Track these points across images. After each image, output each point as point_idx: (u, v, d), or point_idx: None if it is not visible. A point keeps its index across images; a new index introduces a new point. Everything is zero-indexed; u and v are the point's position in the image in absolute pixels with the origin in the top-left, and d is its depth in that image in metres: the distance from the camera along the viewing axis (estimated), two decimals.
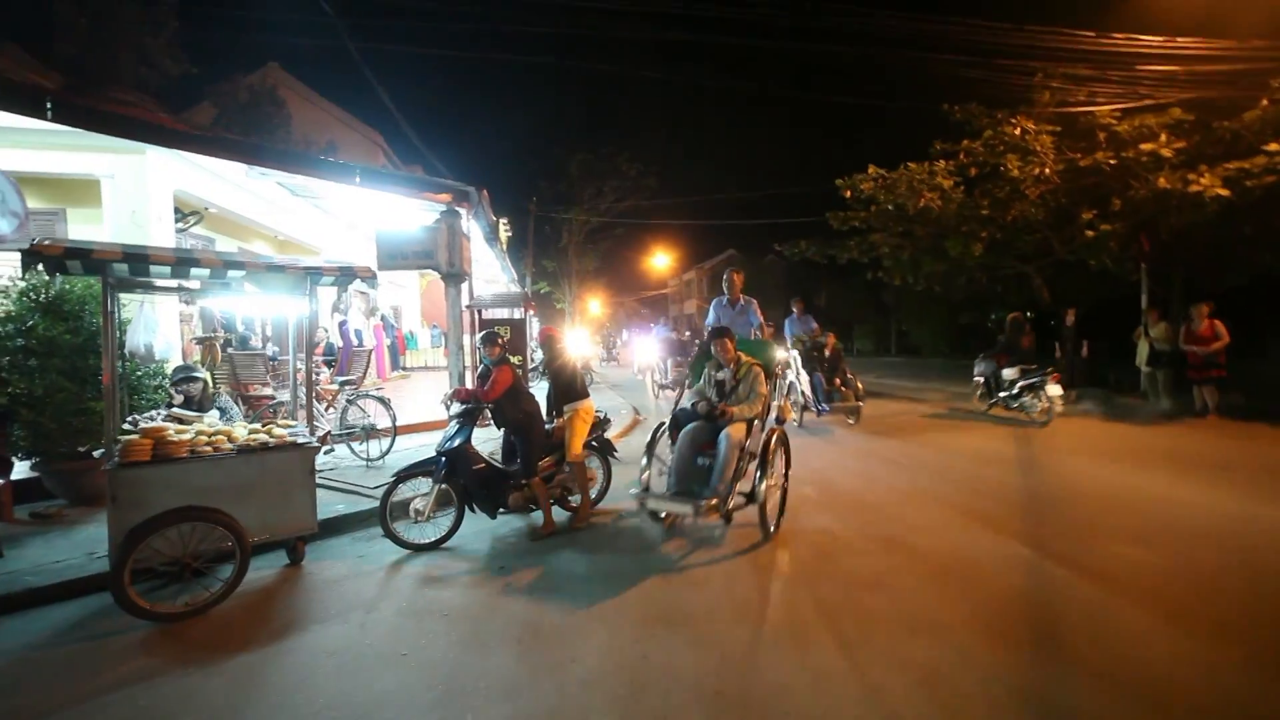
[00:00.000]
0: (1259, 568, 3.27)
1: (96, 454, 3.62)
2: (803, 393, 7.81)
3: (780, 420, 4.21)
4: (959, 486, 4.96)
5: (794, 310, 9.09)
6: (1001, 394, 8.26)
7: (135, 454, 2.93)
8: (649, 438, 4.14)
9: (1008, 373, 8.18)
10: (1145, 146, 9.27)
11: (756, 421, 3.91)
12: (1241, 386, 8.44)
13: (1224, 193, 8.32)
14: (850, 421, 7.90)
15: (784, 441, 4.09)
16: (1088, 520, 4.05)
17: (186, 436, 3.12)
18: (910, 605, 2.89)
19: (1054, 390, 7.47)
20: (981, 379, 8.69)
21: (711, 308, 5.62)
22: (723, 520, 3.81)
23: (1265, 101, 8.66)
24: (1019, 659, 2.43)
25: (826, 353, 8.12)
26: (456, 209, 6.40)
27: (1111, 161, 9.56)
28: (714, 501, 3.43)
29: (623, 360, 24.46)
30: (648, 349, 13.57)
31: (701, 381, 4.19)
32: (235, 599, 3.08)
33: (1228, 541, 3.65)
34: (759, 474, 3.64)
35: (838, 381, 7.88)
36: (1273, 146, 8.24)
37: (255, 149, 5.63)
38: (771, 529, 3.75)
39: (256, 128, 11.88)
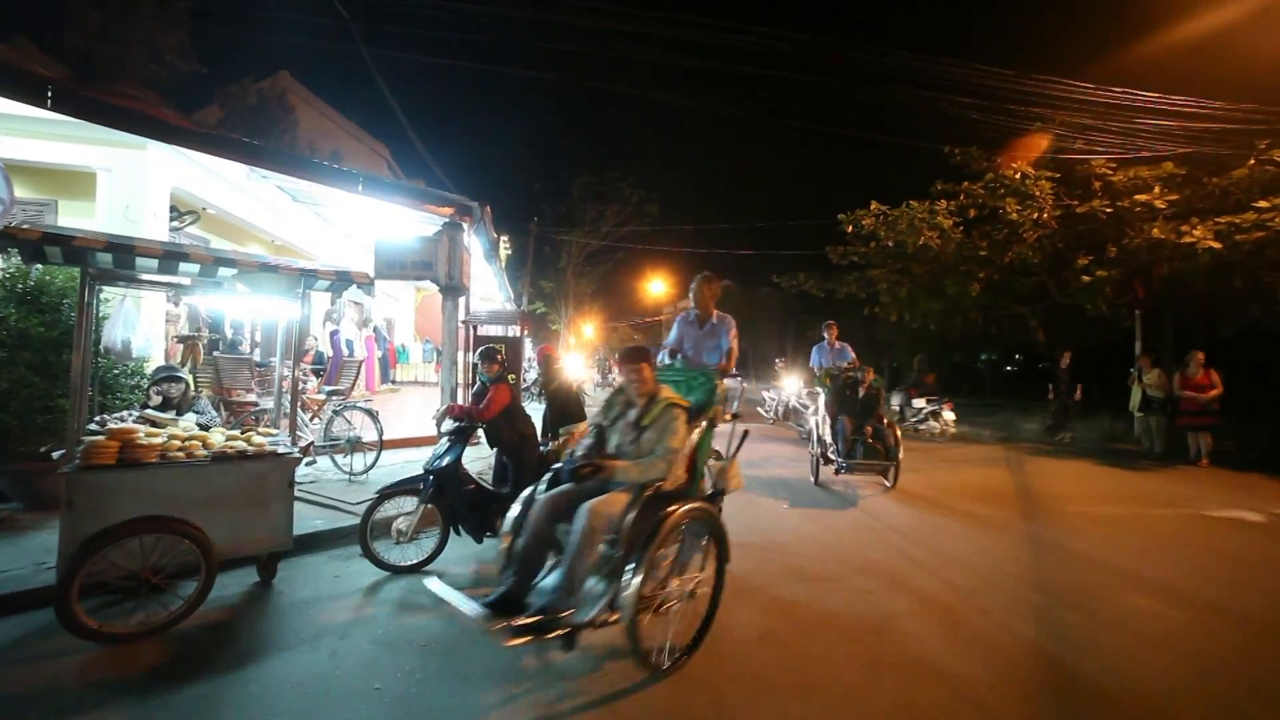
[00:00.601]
0: None
1: (56, 455, 3.38)
2: (820, 439, 6.35)
3: (716, 493, 2.97)
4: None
5: (825, 336, 7.47)
6: (911, 419, 9.99)
7: (99, 456, 2.72)
8: (516, 510, 2.67)
9: (917, 402, 10.14)
10: (1140, 197, 9.50)
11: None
12: (1233, 435, 8.47)
13: (1215, 245, 8.48)
14: (886, 484, 6.13)
15: (708, 526, 2.68)
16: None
17: (158, 440, 2.93)
18: None
19: (948, 415, 9.59)
20: (897, 407, 10.45)
21: (675, 324, 4.09)
22: (561, 643, 2.27)
23: (1253, 161, 8.93)
24: None
25: (861, 391, 6.41)
26: (459, 222, 6.32)
27: (1107, 210, 9.77)
28: (529, 619, 2.18)
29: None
30: None
31: (607, 422, 2.84)
32: (196, 619, 2.83)
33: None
34: (631, 569, 2.31)
35: (868, 431, 6.08)
36: (1262, 204, 8.44)
37: (258, 150, 5.52)
38: (664, 663, 2.44)
39: (262, 131, 11.86)
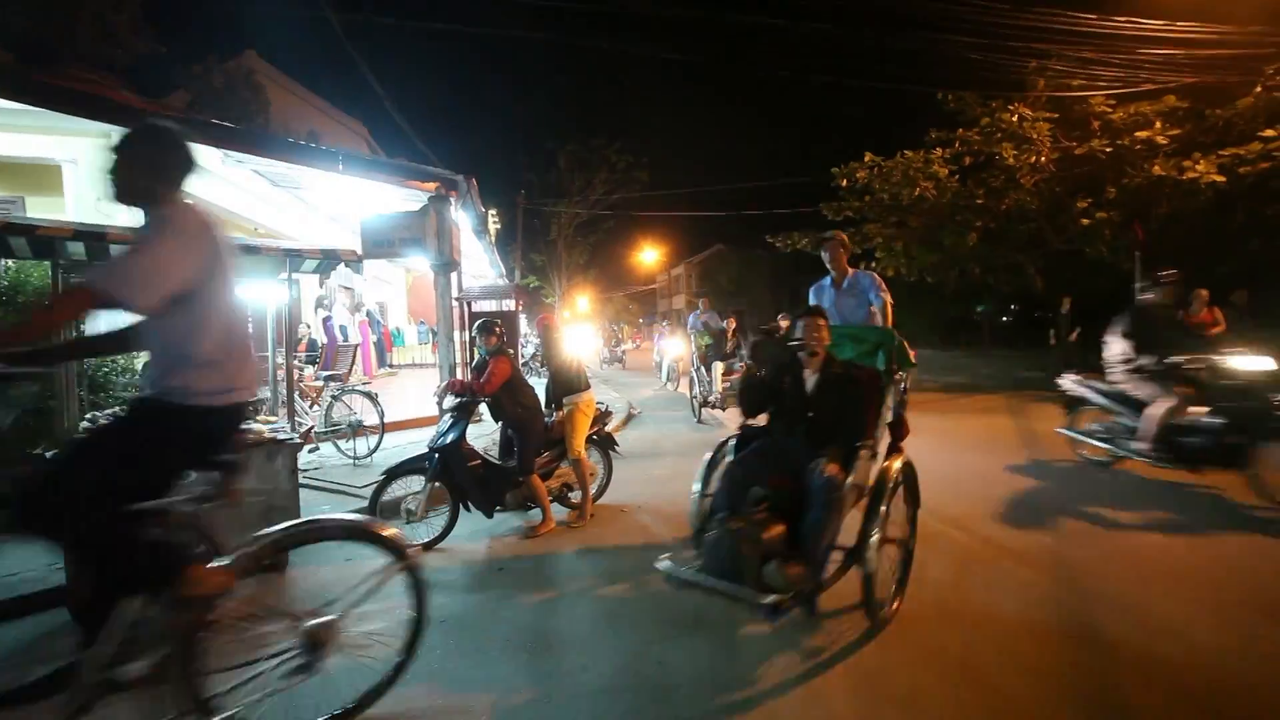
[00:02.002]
0: None
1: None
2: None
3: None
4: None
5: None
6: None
7: None
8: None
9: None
10: (1140, 134, 9.29)
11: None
12: None
13: (1219, 179, 8.34)
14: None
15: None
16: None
17: None
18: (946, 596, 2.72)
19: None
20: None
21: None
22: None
23: (1259, 88, 8.68)
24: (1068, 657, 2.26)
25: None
26: (445, 196, 6.13)
27: (1106, 149, 9.56)
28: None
29: (630, 363, 20.75)
30: (677, 348, 11.32)
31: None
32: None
33: None
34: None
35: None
36: (1269, 133, 8.25)
37: (230, 132, 5.28)
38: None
39: (233, 114, 11.41)
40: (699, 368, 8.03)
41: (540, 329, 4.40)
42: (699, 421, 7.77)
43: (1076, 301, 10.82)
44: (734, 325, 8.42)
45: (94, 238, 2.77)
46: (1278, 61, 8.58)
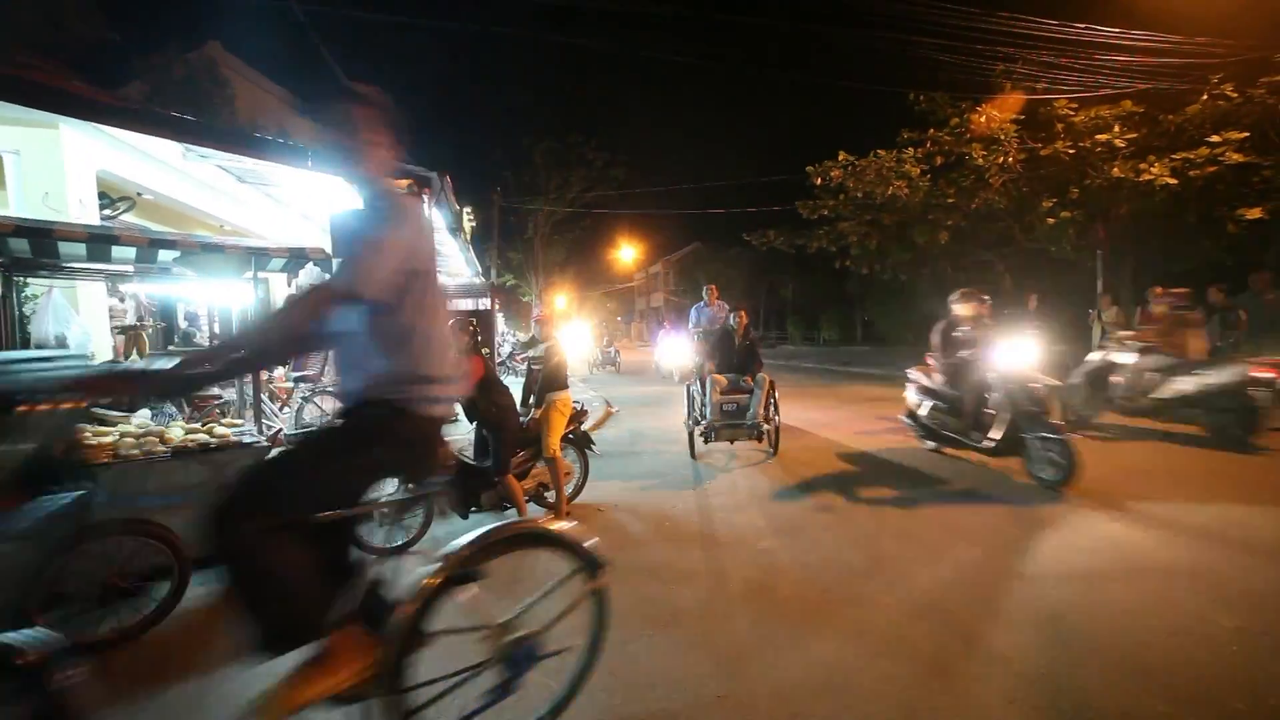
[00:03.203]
0: None
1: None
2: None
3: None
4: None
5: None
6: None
7: None
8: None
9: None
10: (1100, 137, 9.62)
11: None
12: None
13: (1171, 181, 8.70)
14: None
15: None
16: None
17: (108, 439, 2.75)
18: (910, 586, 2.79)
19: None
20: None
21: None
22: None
23: (1205, 95, 9.08)
24: (1027, 641, 2.34)
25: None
26: (418, 193, 6.01)
27: (1070, 151, 9.88)
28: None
29: (626, 365, 17.91)
30: (677, 352, 10.41)
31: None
32: (173, 620, 2.72)
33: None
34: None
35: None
36: (1215, 139, 8.63)
37: (190, 125, 5.08)
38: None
39: (195, 107, 11.01)
40: (698, 380, 5.84)
41: (540, 322, 4.39)
42: (693, 457, 5.62)
43: (1042, 300, 11.13)
44: (744, 322, 6.10)
45: (39, 234, 2.64)
46: (1221, 71, 8.98)
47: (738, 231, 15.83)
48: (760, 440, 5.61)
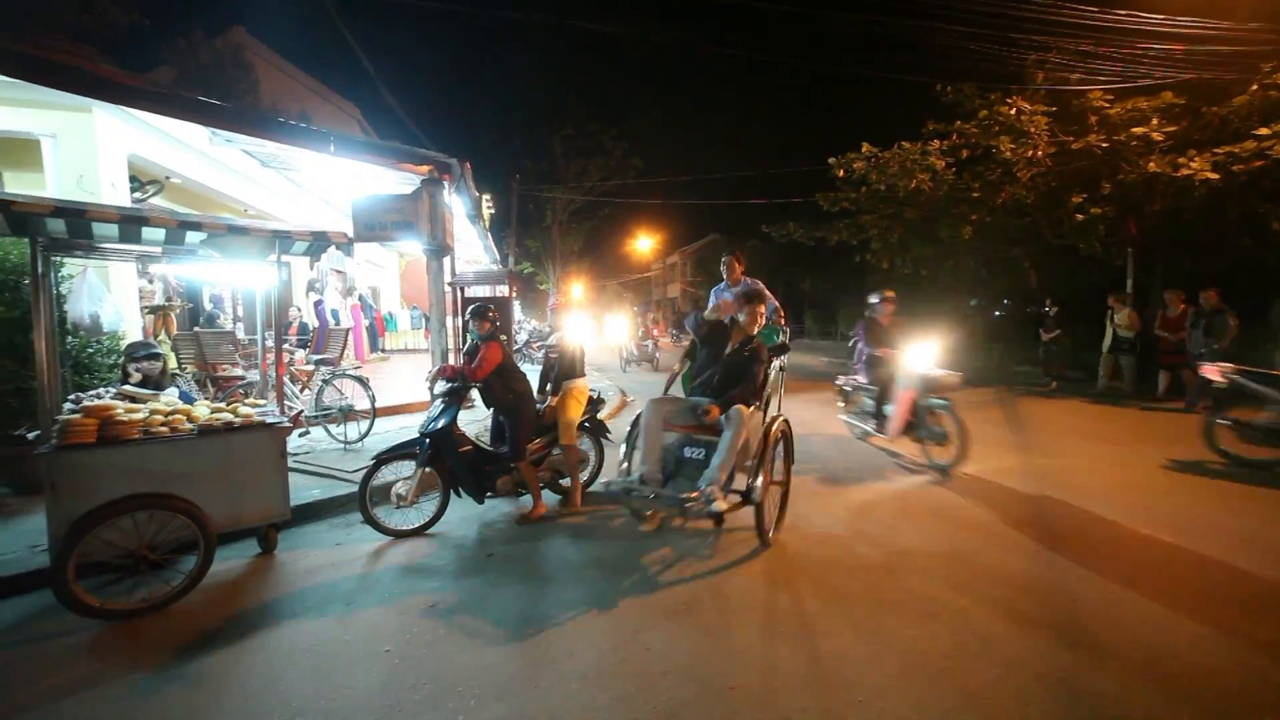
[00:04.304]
0: None
1: (32, 436, 3.27)
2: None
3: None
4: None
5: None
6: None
7: (77, 435, 2.62)
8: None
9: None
10: (1136, 130, 9.26)
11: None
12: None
13: (1213, 176, 8.35)
14: None
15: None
16: None
17: (138, 416, 2.82)
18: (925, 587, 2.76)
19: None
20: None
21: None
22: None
23: (1255, 86, 8.67)
24: (1040, 645, 2.31)
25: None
26: (439, 179, 6.04)
27: (1103, 144, 9.54)
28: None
29: (663, 364, 13.72)
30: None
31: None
32: (199, 593, 2.81)
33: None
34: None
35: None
36: (1263, 131, 8.26)
37: (218, 110, 5.13)
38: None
39: (221, 91, 11.15)
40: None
41: (557, 309, 4.43)
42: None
43: (1065, 299, 10.82)
44: (756, 323, 3.73)
45: (75, 214, 2.70)
46: (1274, 59, 8.56)
47: (756, 223, 15.64)
48: (720, 523, 3.50)
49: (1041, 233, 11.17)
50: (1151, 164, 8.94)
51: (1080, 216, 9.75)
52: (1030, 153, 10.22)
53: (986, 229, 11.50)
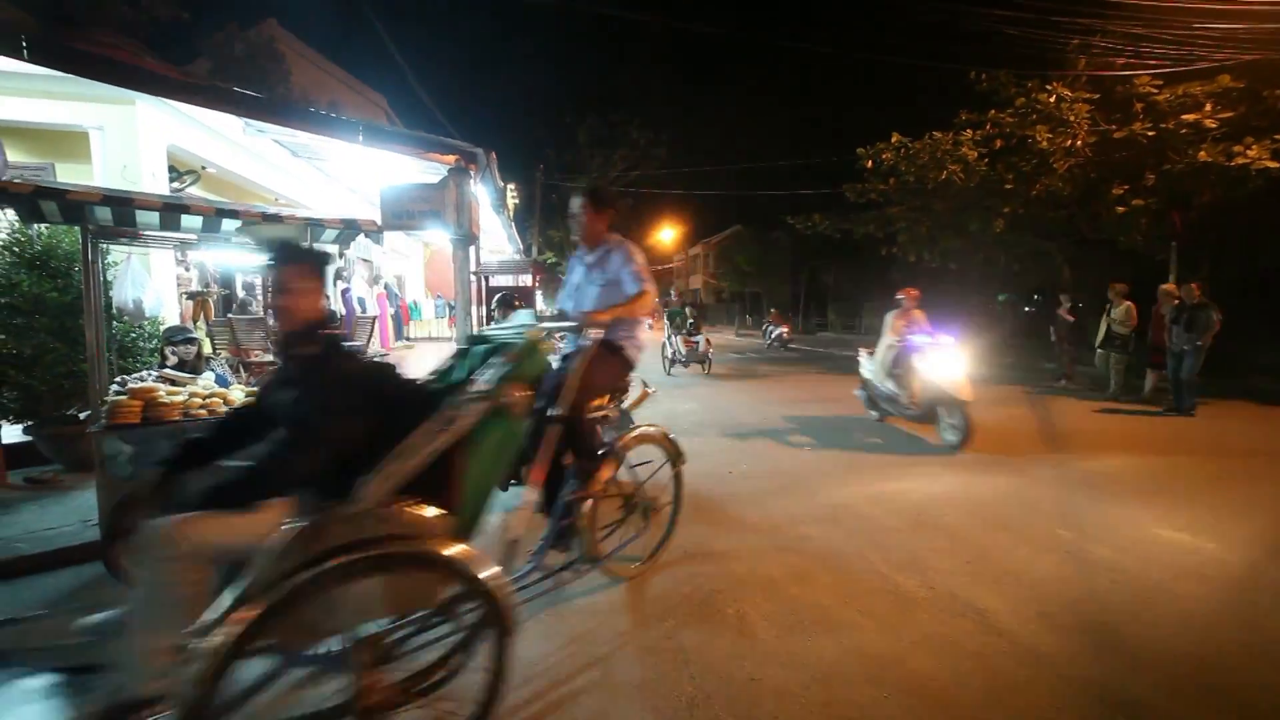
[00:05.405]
0: None
1: (83, 416, 3.42)
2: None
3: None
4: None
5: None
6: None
7: (123, 416, 2.73)
8: None
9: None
10: (1187, 117, 8.84)
11: None
12: (1274, 371, 8.19)
13: (1272, 164, 7.93)
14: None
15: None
16: None
17: (179, 398, 2.93)
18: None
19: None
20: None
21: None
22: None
23: None
24: (1068, 642, 2.25)
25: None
26: (465, 168, 6.08)
27: (1149, 133, 9.14)
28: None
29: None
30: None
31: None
32: None
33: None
34: None
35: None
36: None
37: (253, 101, 5.24)
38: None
39: (254, 83, 11.38)
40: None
41: None
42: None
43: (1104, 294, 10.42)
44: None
45: (121, 203, 2.81)
46: None
47: (780, 215, 15.42)
48: None
49: (1078, 226, 10.79)
50: (1202, 153, 8.53)
51: (1121, 209, 9.38)
52: (1069, 142, 9.85)
53: (1019, 221, 11.15)
